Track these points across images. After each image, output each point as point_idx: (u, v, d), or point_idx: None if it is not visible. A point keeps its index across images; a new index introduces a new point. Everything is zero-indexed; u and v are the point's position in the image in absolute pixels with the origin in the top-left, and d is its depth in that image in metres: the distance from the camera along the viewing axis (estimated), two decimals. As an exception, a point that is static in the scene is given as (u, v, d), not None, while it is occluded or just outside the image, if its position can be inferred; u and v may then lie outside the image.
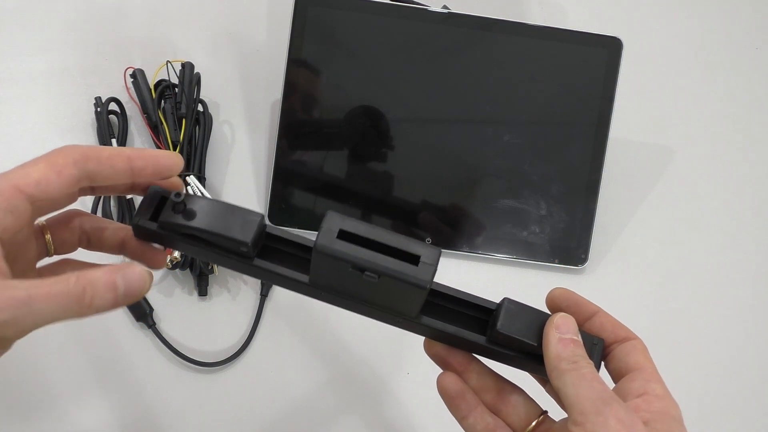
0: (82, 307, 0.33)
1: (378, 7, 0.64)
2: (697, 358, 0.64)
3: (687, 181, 0.70)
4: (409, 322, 0.39)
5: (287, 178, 0.65)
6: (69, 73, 0.68)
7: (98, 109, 0.64)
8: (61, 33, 0.69)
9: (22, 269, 0.36)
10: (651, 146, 0.71)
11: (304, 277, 0.38)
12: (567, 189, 0.65)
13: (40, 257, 0.38)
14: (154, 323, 0.61)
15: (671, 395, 0.37)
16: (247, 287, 0.63)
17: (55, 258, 0.40)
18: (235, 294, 0.63)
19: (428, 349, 0.42)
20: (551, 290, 0.41)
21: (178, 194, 0.36)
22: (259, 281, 0.62)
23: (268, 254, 0.38)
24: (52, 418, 0.59)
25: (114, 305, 0.34)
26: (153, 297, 0.62)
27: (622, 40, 0.64)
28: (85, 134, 0.66)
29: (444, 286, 0.39)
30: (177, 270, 0.62)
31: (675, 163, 0.71)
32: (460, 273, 0.66)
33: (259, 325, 0.62)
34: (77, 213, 0.40)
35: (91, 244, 0.40)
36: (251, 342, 0.61)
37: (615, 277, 0.66)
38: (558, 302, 0.41)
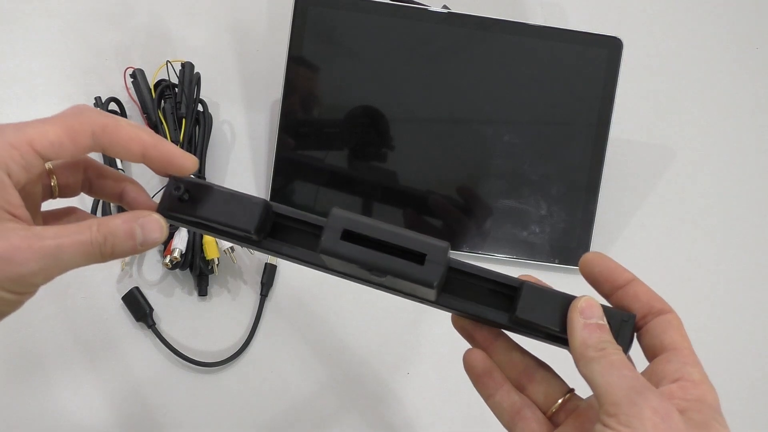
0: (104, 255, 0.35)
1: (378, 7, 0.64)
2: (699, 359, 0.64)
3: (687, 181, 0.70)
4: (431, 303, 0.39)
5: (287, 178, 0.65)
6: (69, 73, 0.68)
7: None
8: (61, 33, 0.69)
9: (29, 212, 0.37)
10: (651, 146, 0.71)
11: (321, 259, 0.38)
12: (567, 189, 0.65)
13: (44, 199, 0.39)
14: (154, 323, 0.61)
15: (708, 380, 0.35)
16: (247, 287, 0.63)
17: (59, 201, 0.40)
18: (235, 294, 0.63)
19: (455, 323, 0.41)
20: (585, 255, 0.39)
21: (178, 187, 0.37)
22: (258, 281, 0.62)
23: (280, 233, 0.38)
24: (51, 418, 0.59)
25: (132, 252, 0.36)
26: (153, 297, 0.62)
27: (622, 40, 0.64)
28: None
29: (464, 263, 0.38)
30: (177, 270, 0.62)
31: (675, 163, 0.71)
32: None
33: (259, 325, 0.62)
34: (84, 159, 0.40)
35: (92, 191, 0.41)
36: (251, 342, 0.61)
37: (615, 277, 0.66)
38: (591, 267, 0.39)
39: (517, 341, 0.41)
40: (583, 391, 0.39)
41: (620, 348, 0.35)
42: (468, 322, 0.41)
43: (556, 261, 0.65)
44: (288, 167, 0.65)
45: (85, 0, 0.70)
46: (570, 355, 0.36)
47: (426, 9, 0.65)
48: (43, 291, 0.62)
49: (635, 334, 0.37)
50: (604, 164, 0.65)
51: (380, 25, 0.64)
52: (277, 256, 0.39)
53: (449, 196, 0.65)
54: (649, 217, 0.69)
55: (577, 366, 0.35)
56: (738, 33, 0.75)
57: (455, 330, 0.41)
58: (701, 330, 0.66)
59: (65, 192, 0.40)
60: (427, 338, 0.64)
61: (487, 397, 0.40)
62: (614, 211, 0.68)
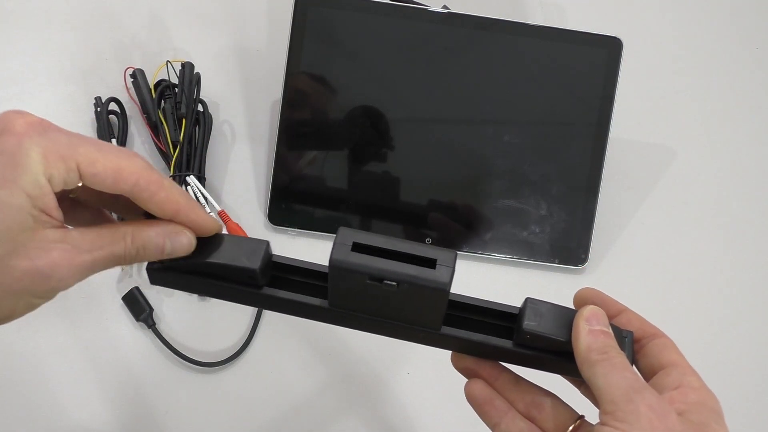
0: (130, 262, 0.36)
1: (378, 7, 0.64)
2: (698, 359, 0.64)
3: (687, 181, 0.70)
4: (432, 336, 0.39)
5: (287, 178, 0.65)
6: (69, 73, 0.68)
7: (98, 109, 0.64)
8: (61, 33, 0.69)
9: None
10: (651, 146, 0.71)
11: (322, 302, 0.38)
12: (567, 189, 0.65)
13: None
14: (154, 323, 0.61)
15: (708, 387, 0.36)
16: (247, 287, 0.63)
17: None
18: (235, 294, 0.63)
19: (456, 363, 0.41)
20: (579, 290, 0.40)
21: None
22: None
23: (279, 284, 0.39)
24: (51, 418, 0.59)
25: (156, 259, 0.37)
26: (153, 297, 0.62)
27: (622, 40, 0.64)
28: (85, 134, 0.65)
29: (464, 296, 0.39)
30: (177, 270, 0.62)
31: (675, 163, 0.71)
32: (460, 273, 0.65)
33: (259, 325, 0.62)
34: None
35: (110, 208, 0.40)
36: (251, 342, 0.61)
37: (615, 277, 0.66)
38: (585, 300, 0.40)
39: (520, 375, 0.41)
40: (593, 417, 0.39)
41: (623, 353, 0.36)
42: (470, 360, 0.41)
43: (556, 261, 0.65)
44: (288, 167, 0.65)
45: (85, 0, 0.70)
46: (583, 377, 0.36)
47: (426, 9, 0.65)
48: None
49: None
50: (604, 164, 0.65)
51: (380, 25, 0.64)
52: (274, 307, 0.39)
53: (450, 203, 0.65)
54: (649, 217, 0.69)
55: (581, 371, 0.36)
56: (738, 33, 0.75)
57: (457, 371, 0.41)
58: (702, 330, 0.66)
59: (81, 202, 0.39)
60: (427, 338, 0.64)
61: (494, 426, 0.40)
62: (614, 211, 0.68)
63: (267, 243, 0.37)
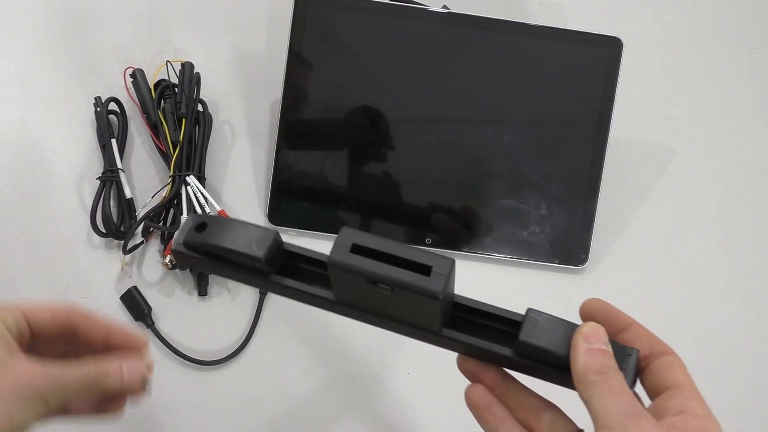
0: (95, 390, 0.40)
1: (378, 6, 0.64)
2: (699, 359, 0.64)
3: (687, 181, 0.70)
4: (435, 337, 0.39)
5: (287, 179, 0.65)
6: (69, 73, 0.68)
7: (98, 109, 0.65)
8: (61, 33, 0.69)
9: None
10: (651, 146, 0.71)
11: (328, 294, 0.39)
12: (567, 189, 0.65)
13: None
14: (153, 322, 0.61)
15: (712, 415, 0.35)
16: (247, 287, 0.63)
17: None
18: (235, 294, 0.63)
19: (462, 366, 0.41)
20: (585, 300, 0.39)
21: (195, 219, 0.39)
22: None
23: (290, 272, 0.39)
24: (51, 418, 0.59)
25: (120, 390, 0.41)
26: (153, 297, 0.62)
27: (622, 40, 0.64)
28: (85, 134, 0.66)
29: (468, 299, 0.38)
30: (177, 270, 0.62)
31: (675, 163, 0.71)
32: (460, 273, 0.65)
33: (258, 324, 0.62)
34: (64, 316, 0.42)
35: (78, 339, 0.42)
36: (250, 340, 0.61)
37: (615, 277, 0.66)
38: (591, 312, 0.39)
39: (525, 384, 0.40)
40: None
41: (622, 375, 0.35)
42: (474, 364, 0.40)
43: (556, 261, 0.65)
44: (288, 168, 0.65)
45: (84, 0, 0.70)
46: (580, 398, 0.35)
47: (426, 9, 0.65)
48: (42, 291, 0.62)
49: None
50: (604, 164, 0.65)
51: (380, 25, 0.64)
52: (284, 293, 0.40)
53: (450, 203, 0.65)
54: (649, 217, 0.69)
55: (578, 390, 0.35)
56: (738, 33, 0.75)
57: (462, 374, 0.41)
58: (701, 330, 0.66)
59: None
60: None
61: None
62: (614, 211, 0.68)
63: (276, 233, 0.38)
